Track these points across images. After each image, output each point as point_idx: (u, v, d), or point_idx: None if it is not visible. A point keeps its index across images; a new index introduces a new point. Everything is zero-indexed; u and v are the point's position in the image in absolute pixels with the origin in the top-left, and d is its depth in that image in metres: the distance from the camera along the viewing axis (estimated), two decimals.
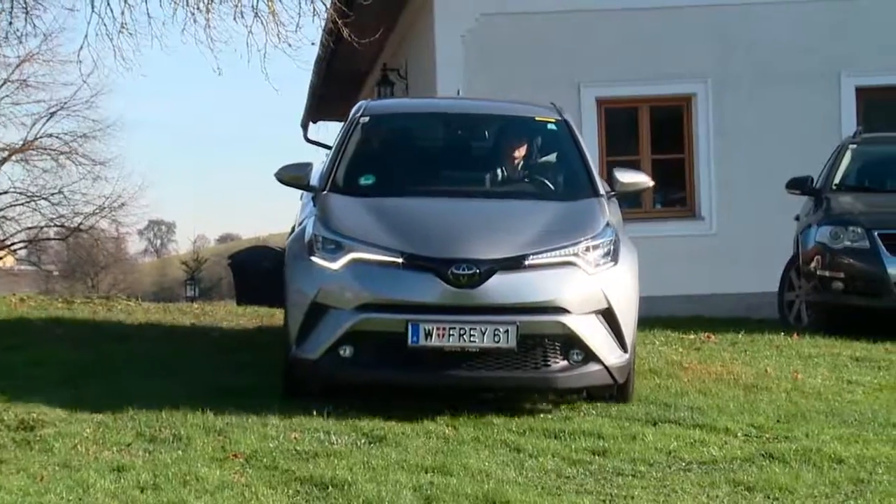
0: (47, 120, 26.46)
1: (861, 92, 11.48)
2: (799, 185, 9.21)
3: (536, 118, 6.29)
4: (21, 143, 26.14)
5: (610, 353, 4.83)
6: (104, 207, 27.45)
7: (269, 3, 9.25)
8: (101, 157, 27.15)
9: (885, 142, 9.93)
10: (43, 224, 27.26)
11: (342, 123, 6.71)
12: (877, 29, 11.54)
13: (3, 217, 26.08)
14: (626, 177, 5.80)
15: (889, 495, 4.05)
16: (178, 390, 5.33)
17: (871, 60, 11.55)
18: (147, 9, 9.45)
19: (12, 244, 28.02)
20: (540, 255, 4.86)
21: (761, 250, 10.24)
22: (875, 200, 8.96)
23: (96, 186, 27.43)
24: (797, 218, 9.30)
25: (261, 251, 17.24)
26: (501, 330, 4.66)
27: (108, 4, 9.33)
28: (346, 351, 4.76)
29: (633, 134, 11.87)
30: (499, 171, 6.06)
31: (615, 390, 5.03)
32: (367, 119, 5.92)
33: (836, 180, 9.10)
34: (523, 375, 4.82)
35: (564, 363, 4.77)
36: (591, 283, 4.89)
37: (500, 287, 4.75)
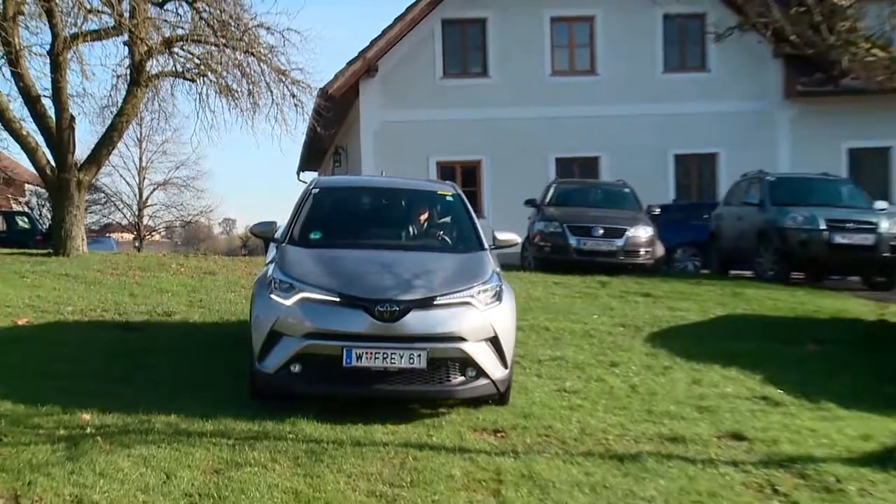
0: (176, 168, 48.12)
1: (558, 160, 20.29)
2: (530, 202, 15.66)
3: (438, 192, 7.80)
4: (163, 181, 49.11)
5: (496, 370, 5.90)
6: (202, 212, 52.25)
7: (283, 116, 18.10)
8: (201, 186, 50.45)
9: (569, 183, 16.84)
10: (173, 219, 52.51)
11: (304, 186, 8.15)
12: (566, 127, 20.16)
13: (156, 216, 50.87)
14: (502, 235, 7.11)
15: (574, 345, 7.98)
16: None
17: (564, 144, 20.31)
18: (224, 119, 18.99)
19: (159, 230, 54.10)
20: (445, 297, 5.89)
21: (516, 232, 18.45)
22: (564, 210, 14.74)
23: (198, 200, 50.42)
24: (529, 217, 15.51)
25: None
26: (415, 354, 5.64)
27: (205, 113, 18.26)
28: (296, 368, 5.72)
29: (453, 181, 20.31)
30: (410, 228, 7.44)
31: (497, 397, 6.04)
32: (317, 190, 7.44)
33: (546, 200, 15.52)
34: (431, 389, 5.79)
35: (462, 378, 5.81)
36: (482, 318, 5.91)
37: (415, 321, 5.70)
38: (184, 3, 15.94)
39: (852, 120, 19.93)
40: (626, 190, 15.80)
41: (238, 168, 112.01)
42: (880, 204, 14.85)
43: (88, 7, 14.89)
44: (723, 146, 20.51)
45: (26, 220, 25.95)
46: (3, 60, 15.15)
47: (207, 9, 15.53)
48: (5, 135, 16.66)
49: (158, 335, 8.82)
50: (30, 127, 15.73)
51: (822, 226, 13.73)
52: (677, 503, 4.57)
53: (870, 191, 15.82)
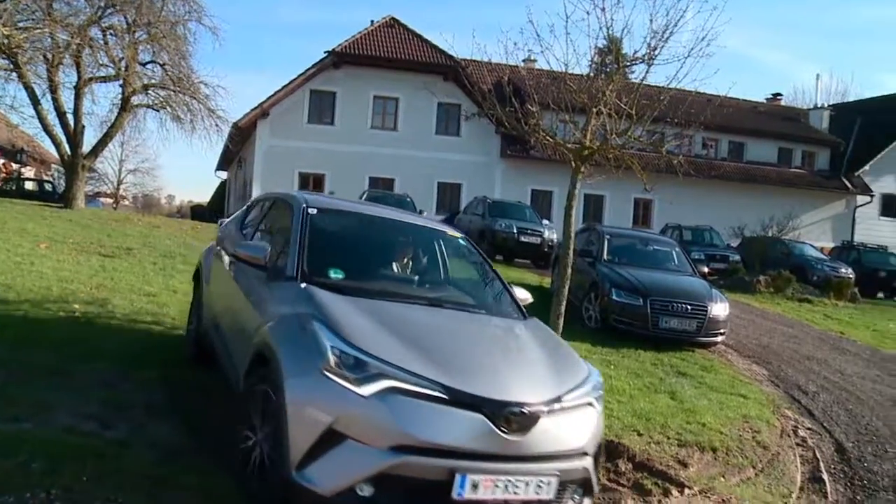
0: (142, 162, 64.89)
1: (371, 178, 31.98)
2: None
3: (448, 233, 6.34)
4: (133, 168, 65.69)
5: (596, 487, 4.47)
6: (155, 189, 71.66)
7: (210, 137, 29.18)
8: (156, 173, 67.68)
9: (377, 196, 29.67)
10: (138, 192, 70.94)
11: (261, 200, 7.15)
12: (377, 159, 33.37)
13: (127, 189, 67.04)
14: (520, 294, 5.72)
15: None
16: None
17: (375, 169, 33.02)
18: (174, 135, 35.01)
19: (128, 198, 67.58)
20: (571, 396, 4.37)
21: None
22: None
23: (154, 181, 69.12)
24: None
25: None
26: (545, 481, 4.04)
27: (163, 130, 31.57)
28: (365, 490, 3.82)
29: (308, 187, 31.51)
30: (432, 274, 5.98)
31: None
32: (314, 211, 5.56)
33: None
34: None
35: (571, 503, 4.27)
36: (599, 422, 4.52)
37: (544, 433, 4.10)
38: (157, 66, 25.24)
39: (535, 172, 31.74)
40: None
41: (179, 164, 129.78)
42: (546, 222, 23.94)
43: (101, 62, 24.44)
44: (465, 180, 32.89)
45: (50, 185, 37.30)
46: (48, 91, 23.67)
47: (171, 69, 24.83)
48: (43, 134, 25.10)
49: (122, 261, 12.47)
50: (58, 130, 24.11)
51: (515, 230, 21.71)
52: None
53: (541, 213, 26.64)
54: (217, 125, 26.32)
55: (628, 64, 14.10)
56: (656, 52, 9.66)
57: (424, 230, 6.49)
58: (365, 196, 24.52)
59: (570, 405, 4.38)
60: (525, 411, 4.09)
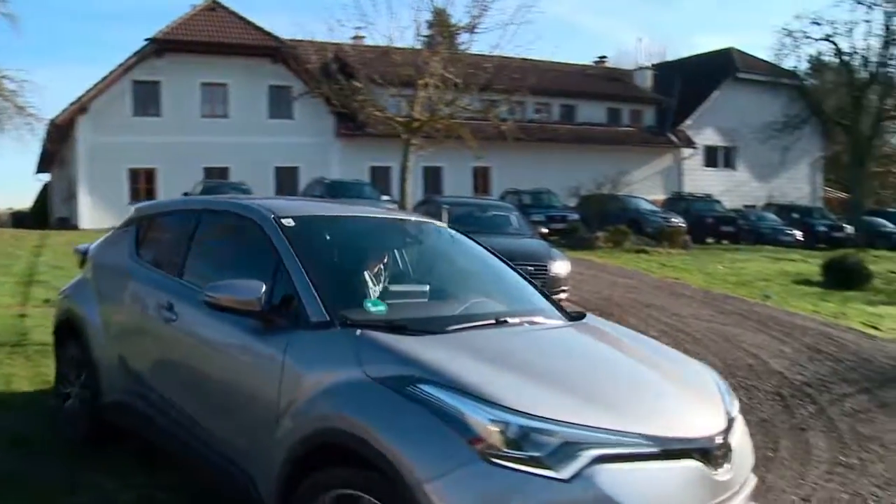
0: None
1: (205, 168, 31.58)
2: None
3: (437, 224, 5.20)
4: None
5: None
6: None
7: (22, 136, 28.09)
8: None
9: (212, 186, 31.34)
10: None
11: (234, 225, 4.50)
12: (210, 148, 32.69)
13: None
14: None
15: None
16: None
17: (209, 159, 31.71)
18: None
19: None
20: (733, 404, 3.64)
21: None
22: None
23: None
24: None
25: None
26: None
27: None
28: None
29: (137, 182, 31.99)
30: (459, 280, 4.74)
31: None
32: (291, 223, 4.09)
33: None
34: None
35: None
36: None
37: (739, 459, 3.35)
38: None
39: (372, 150, 31.39)
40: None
41: None
42: (385, 197, 24.71)
43: None
44: (302, 163, 32.38)
45: None
46: None
47: None
48: None
49: None
50: None
51: None
52: None
53: (381, 190, 26.97)
54: (30, 124, 25.00)
55: (451, 34, 14.09)
56: (479, 21, 9.70)
57: (424, 227, 5.15)
58: (200, 188, 23.98)
59: (735, 414, 3.59)
60: (725, 441, 3.30)
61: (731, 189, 39.74)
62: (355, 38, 25.58)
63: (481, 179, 35.89)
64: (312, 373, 3.42)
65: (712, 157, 42.24)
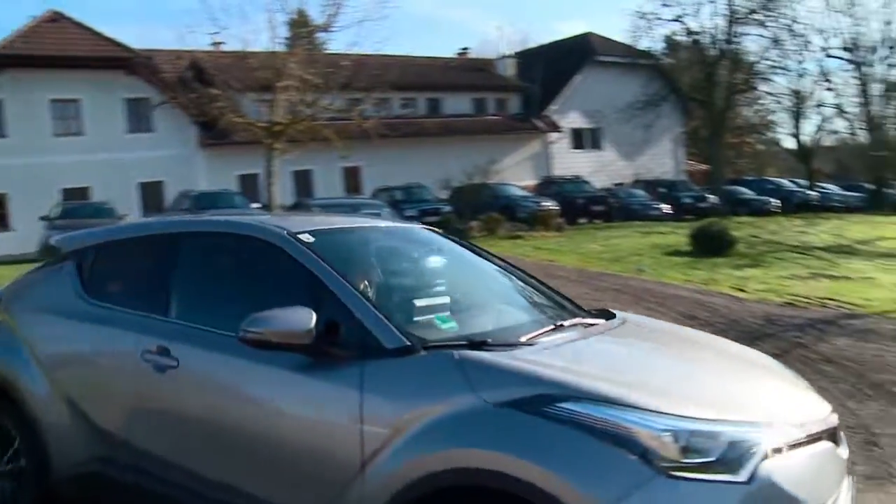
0: None
1: (64, 190, 29.15)
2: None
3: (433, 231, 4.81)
4: None
5: None
6: None
7: None
8: None
9: (71, 208, 30.38)
10: None
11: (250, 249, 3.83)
12: (67, 168, 30.80)
13: None
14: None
15: None
16: None
17: (67, 179, 31.55)
18: None
19: None
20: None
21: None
22: None
23: None
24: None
25: None
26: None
27: None
28: None
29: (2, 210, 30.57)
30: (481, 286, 4.45)
31: None
32: (309, 238, 3.66)
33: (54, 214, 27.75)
34: None
35: None
36: None
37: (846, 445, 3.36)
38: None
39: (238, 158, 30.06)
40: None
41: None
42: (254, 204, 24.21)
43: None
44: (166, 176, 31.00)
45: None
46: None
47: None
48: None
49: None
50: None
51: None
52: None
53: (250, 198, 26.17)
54: None
55: (309, 34, 13.78)
56: (334, 19, 9.52)
57: (428, 236, 4.71)
58: (59, 210, 23.15)
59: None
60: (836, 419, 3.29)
61: (599, 169, 40.61)
62: (215, 44, 25.01)
63: (352, 179, 35.52)
64: (409, 408, 2.97)
65: (579, 140, 43.10)
